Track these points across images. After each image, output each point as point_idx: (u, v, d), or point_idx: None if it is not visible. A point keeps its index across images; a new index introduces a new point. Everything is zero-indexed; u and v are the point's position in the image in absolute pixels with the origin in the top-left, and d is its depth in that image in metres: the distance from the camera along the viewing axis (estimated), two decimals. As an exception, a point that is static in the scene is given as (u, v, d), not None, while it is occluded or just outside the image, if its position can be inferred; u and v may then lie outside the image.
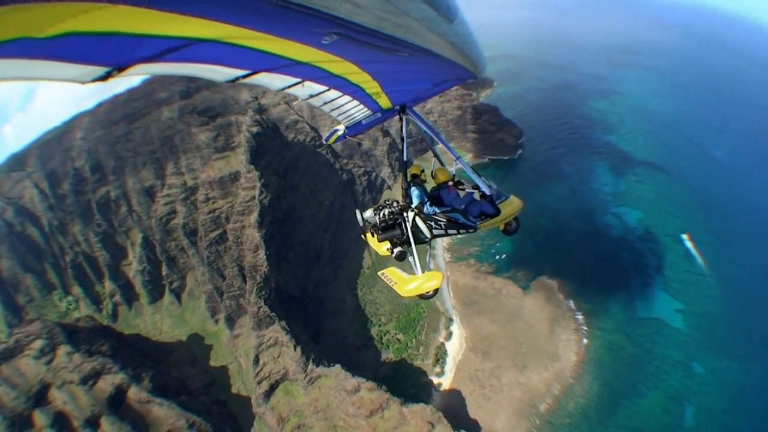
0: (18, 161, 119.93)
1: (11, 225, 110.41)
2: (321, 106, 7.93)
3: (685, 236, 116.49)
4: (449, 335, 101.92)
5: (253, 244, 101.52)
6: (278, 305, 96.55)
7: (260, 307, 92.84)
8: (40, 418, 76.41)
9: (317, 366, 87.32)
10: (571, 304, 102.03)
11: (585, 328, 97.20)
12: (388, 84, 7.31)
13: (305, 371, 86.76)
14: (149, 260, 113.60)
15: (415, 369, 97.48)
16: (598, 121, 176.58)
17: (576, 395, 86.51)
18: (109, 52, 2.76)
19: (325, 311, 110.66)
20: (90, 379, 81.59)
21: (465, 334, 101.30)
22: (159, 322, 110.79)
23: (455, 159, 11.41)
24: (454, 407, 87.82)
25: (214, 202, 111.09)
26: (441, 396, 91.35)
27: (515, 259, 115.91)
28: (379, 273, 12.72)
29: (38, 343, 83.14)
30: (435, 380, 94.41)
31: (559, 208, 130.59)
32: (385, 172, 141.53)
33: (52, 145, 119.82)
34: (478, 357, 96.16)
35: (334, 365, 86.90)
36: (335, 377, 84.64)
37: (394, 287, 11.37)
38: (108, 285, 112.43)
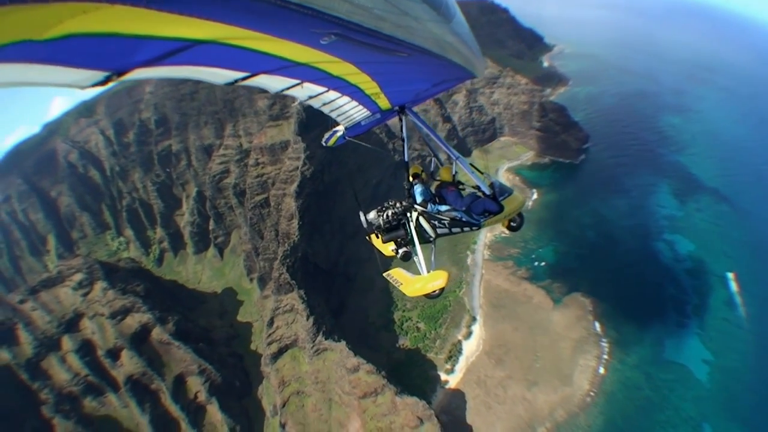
0: (88, 108, 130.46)
1: (74, 166, 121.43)
2: (320, 107, 7.97)
3: (731, 275, 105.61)
4: (468, 334, 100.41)
5: (289, 212, 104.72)
6: (301, 274, 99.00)
7: (281, 273, 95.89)
8: (67, 343, 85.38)
9: (326, 339, 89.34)
10: (598, 328, 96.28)
11: (606, 357, 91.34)
12: (387, 84, 7.34)
13: (313, 342, 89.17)
14: (200, 214, 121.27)
15: (426, 361, 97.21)
16: (670, 137, 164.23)
17: (578, 427, 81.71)
18: (108, 56, 2.81)
19: (352, 288, 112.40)
20: (119, 314, 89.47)
21: (484, 337, 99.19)
22: (200, 272, 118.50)
23: (454, 159, 11.15)
24: (453, 407, 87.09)
25: (263, 167, 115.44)
26: (444, 393, 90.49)
27: (554, 269, 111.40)
28: (384, 274, 12.70)
29: (78, 276, 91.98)
30: (443, 376, 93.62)
31: (611, 223, 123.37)
32: (442, 157, 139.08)
33: (121, 96, 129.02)
34: (491, 362, 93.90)
35: (341, 341, 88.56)
36: (339, 353, 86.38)
37: (400, 288, 11.38)
38: (159, 231, 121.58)
